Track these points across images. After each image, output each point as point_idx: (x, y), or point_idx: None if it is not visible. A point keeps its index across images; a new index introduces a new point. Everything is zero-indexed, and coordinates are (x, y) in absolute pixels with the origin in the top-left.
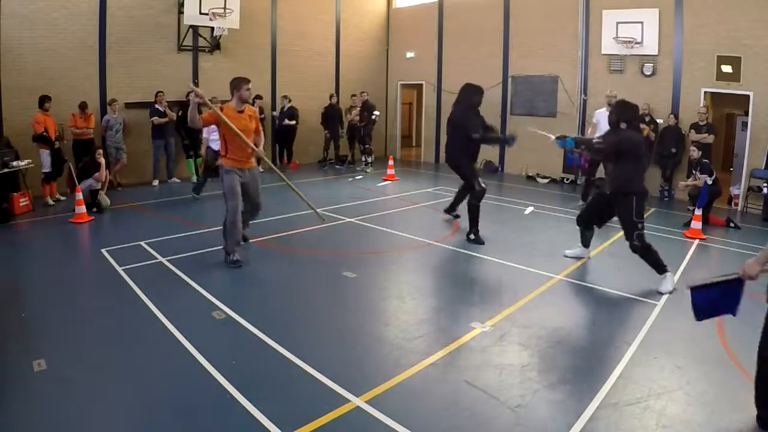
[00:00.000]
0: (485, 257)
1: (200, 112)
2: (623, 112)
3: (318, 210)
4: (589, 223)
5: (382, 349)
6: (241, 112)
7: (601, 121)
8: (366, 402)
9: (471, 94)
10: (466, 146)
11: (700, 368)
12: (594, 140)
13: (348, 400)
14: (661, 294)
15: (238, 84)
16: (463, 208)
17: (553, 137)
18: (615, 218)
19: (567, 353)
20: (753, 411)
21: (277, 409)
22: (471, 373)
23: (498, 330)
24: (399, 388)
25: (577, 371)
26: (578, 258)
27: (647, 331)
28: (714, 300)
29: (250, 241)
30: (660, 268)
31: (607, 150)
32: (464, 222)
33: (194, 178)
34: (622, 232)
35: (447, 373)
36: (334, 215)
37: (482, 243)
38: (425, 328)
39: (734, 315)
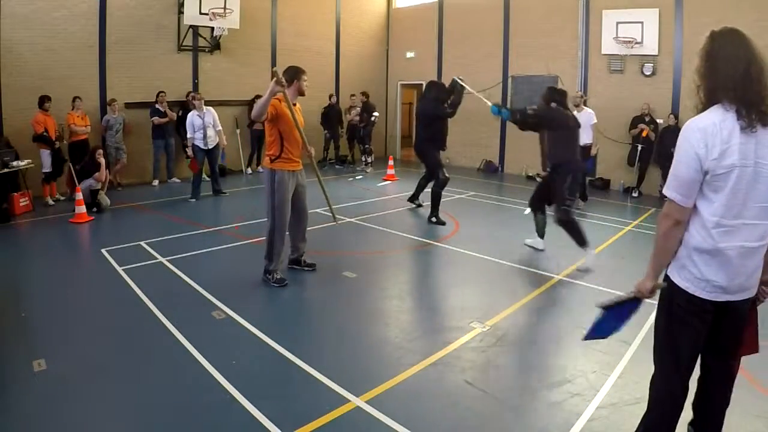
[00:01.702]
0: (485, 257)
1: None
2: (552, 93)
3: (334, 212)
4: (539, 207)
5: (382, 349)
6: (294, 105)
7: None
8: (366, 402)
9: (439, 89)
10: (432, 136)
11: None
12: (528, 110)
13: (348, 400)
14: (582, 270)
15: (297, 74)
16: (426, 196)
17: (489, 103)
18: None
19: (567, 353)
20: (752, 410)
21: (277, 409)
22: (471, 373)
23: (498, 330)
24: (399, 388)
25: (577, 371)
26: (536, 249)
27: (647, 331)
28: (611, 319)
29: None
30: (582, 243)
31: (538, 118)
32: (463, 220)
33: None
34: (621, 233)
35: (447, 373)
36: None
37: (443, 224)
38: (425, 327)
39: (605, 336)
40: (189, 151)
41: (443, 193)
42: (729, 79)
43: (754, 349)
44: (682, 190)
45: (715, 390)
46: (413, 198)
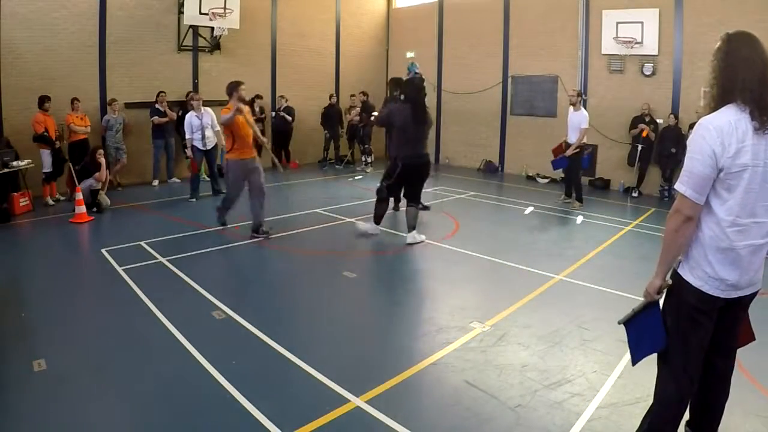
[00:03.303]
0: (485, 257)
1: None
2: (399, 86)
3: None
4: (390, 195)
5: (382, 349)
6: (247, 106)
7: (569, 120)
8: (366, 402)
9: (398, 86)
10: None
11: None
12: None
13: (348, 400)
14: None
15: (235, 88)
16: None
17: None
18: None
19: (567, 353)
20: (752, 410)
21: (277, 409)
22: (471, 373)
23: (498, 330)
24: (399, 388)
25: (576, 371)
26: (374, 234)
27: None
28: (642, 332)
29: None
30: (377, 219)
31: (378, 123)
32: (463, 220)
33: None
34: (621, 233)
35: (447, 373)
36: (334, 215)
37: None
38: (425, 328)
39: (663, 347)
40: (188, 152)
41: (448, 194)
42: (746, 80)
43: (750, 338)
44: (696, 187)
45: (718, 385)
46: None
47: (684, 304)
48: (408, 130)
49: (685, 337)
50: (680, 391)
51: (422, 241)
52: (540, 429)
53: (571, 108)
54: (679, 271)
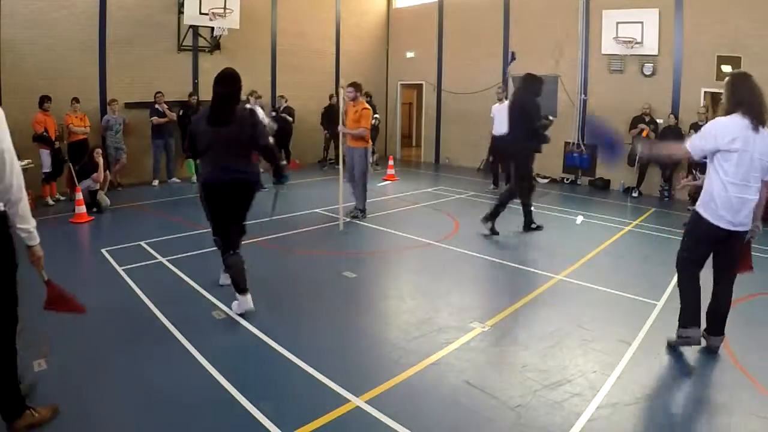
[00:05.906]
0: (485, 257)
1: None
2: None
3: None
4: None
5: (382, 349)
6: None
7: (496, 115)
8: (366, 402)
9: (535, 82)
10: (528, 134)
11: (700, 368)
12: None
13: (348, 400)
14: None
15: None
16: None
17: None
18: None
19: (567, 353)
20: (752, 410)
21: (277, 409)
22: (471, 373)
23: (498, 330)
24: (399, 388)
25: (577, 371)
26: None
27: (647, 331)
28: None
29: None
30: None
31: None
32: (463, 220)
33: (194, 178)
34: (621, 233)
35: (447, 373)
36: (334, 215)
37: (541, 227)
38: (425, 328)
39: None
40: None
41: (448, 194)
42: (745, 98)
43: (749, 266)
44: (695, 150)
45: (724, 292)
46: (490, 218)
47: (697, 232)
48: (201, 135)
49: (695, 247)
50: (693, 264)
51: (248, 310)
52: (540, 429)
53: (497, 104)
54: (697, 209)
